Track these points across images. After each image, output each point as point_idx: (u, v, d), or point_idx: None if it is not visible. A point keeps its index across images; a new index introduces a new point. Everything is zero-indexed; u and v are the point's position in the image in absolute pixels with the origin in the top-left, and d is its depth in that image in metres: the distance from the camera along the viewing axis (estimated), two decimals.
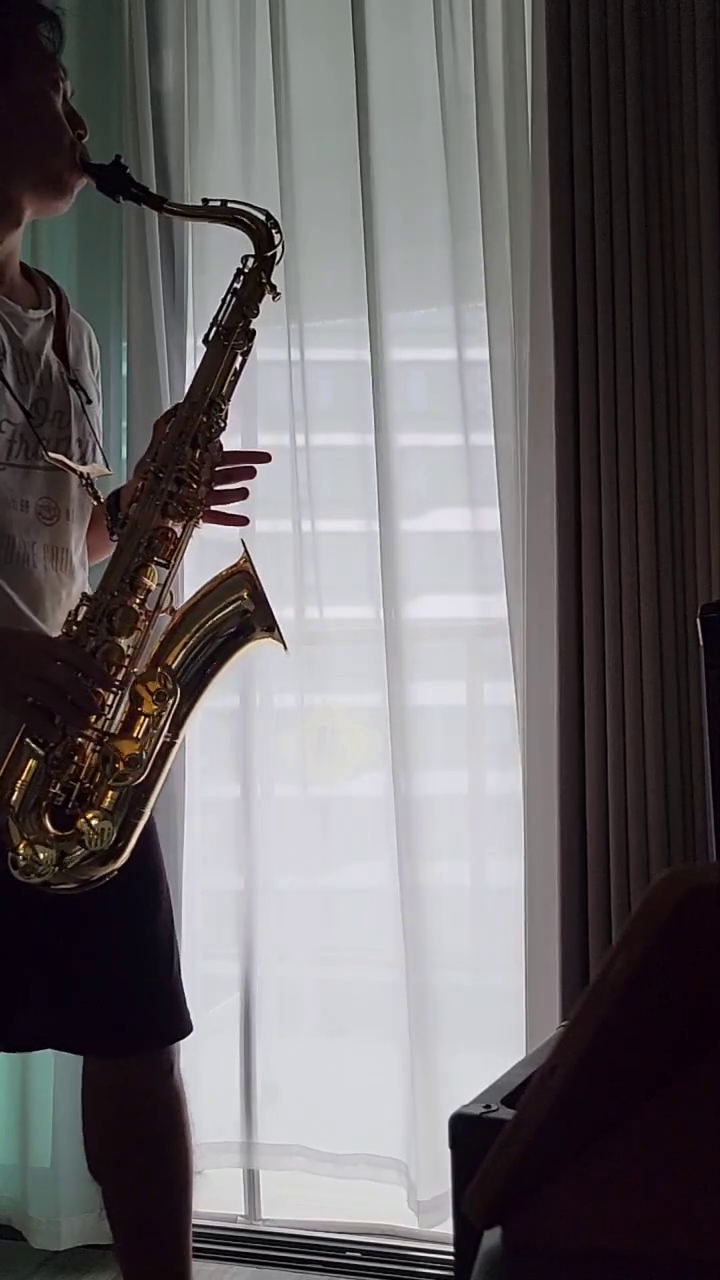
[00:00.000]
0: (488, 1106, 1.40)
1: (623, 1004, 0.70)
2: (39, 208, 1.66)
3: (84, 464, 1.67)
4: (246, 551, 1.62)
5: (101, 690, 1.50)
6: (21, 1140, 2.45)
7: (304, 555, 2.34)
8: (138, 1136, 1.71)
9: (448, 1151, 1.41)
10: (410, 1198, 2.28)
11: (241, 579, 1.61)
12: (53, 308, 1.69)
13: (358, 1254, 2.34)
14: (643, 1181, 0.79)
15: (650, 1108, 0.80)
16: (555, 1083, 0.73)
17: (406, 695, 2.36)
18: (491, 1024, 2.31)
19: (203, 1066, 2.40)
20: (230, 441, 2.43)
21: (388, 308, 2.32)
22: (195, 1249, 2.21)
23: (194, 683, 1.57)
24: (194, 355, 2.45)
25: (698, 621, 1.74)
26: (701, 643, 1.71)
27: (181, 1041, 1.73)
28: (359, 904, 2.31)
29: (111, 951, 1.65)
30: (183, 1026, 1.71)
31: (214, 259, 2.38)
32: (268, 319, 2.37)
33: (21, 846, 1.48)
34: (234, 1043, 2.43)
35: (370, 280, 2.29)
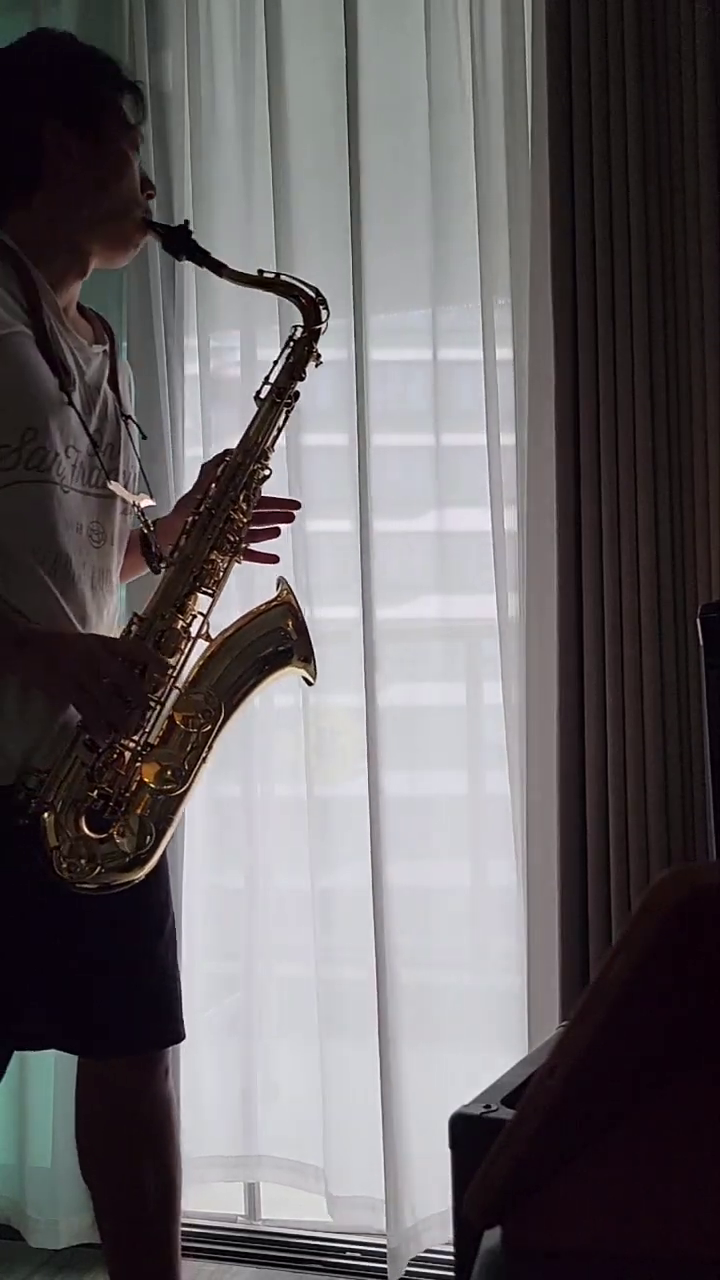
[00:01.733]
0: (488, 1106, 1.41)
1: (623, 1004, 0.71)
2: (104, 259, 1.80)
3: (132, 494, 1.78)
4: (289, 586, 1.76)
5: (158, 675, 1.61)
6: (20, 1140, 2.46)
7: (298, 556, 2.34)
8: (129, 1137, 1.75)
9: (447, 1152, 1.41)
10: (406, 1198, 2.28)
11: (285, 611, 1.74)
12: (107, 345, 1.81)
13: (357, 1254, 2.34)
14: (643, 1181, 0.79)
15: (650, 1108, 0.80)
16: (555, 1083, 0.73)
17: (406, 695, 2.36)
18: (491, 1024, 2.31)
19: (203, 1067, 2.41)
20: (229, 442, 2.45)
21: (386, 308, 2.32)
22: (195, 1249, 2.22)
23: (232, 703, 1.68)
24: (194, 355, 2.46)
25: (698, 621, 1.74)
26: (701, 643, 1.71)
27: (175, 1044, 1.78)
28: (358, 904, 2.31)
29: (115, 954, 1.68)
30: (179, 1031, 1.76)
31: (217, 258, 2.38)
32: (263, 320, 2.40)
33: (57, 845, 1.55)
34: (234, 1043, 2.43)
35: (356, 281, 2.30)
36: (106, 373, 1.77)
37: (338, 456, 2.39)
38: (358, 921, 2.31)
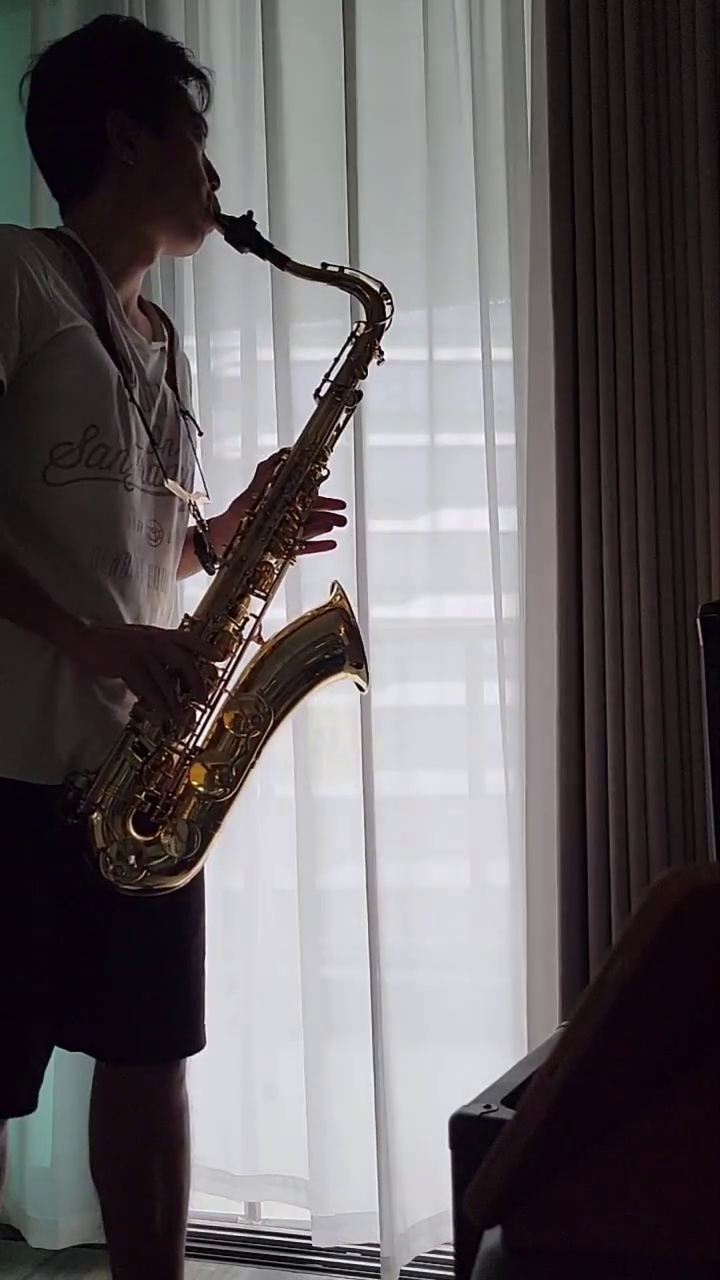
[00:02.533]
0: (488, 1106, 1.40)
1: (623, 1004, 0.70)
2: (170, 249, 1.78)
3: (189, 491, 1.77)
4: (342, 590, 1.73)
5: (214, 666, 1.61)
6: (21, 1140, 2.45)
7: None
8: (142, 1143, 1.74)
9: (447, 1152, 1.41)
10: (402, 1199, 2.28)
11: (337, 616, 1.71)
12: (165, 340, 1.79)
13: (357, 1254, 2.34)
14: (643, 1181, 0.79)
15: (650, 1107, 0.80)
16: (555, 1083, 0.73)
17: (404, 695, 2.36)
18: (491, 1024, 2.31)
19: (200, 1069, 2.40)
20: (230, 442, 2.46)
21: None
22: (196, 1249, 2.22)
23: (282, 710, 1.67)
24: (193, 355, 2.46)
25: (698, 621, 1.74)
26: (701, 643, 1.71)
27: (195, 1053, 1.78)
28: (358, 904, 2.31)
29: (147, 960, 1.68)
30: (199, 1041, 1.76)
31: (217, 258, 2.38)
32: (263, 320, 2.40)
33: (104, 847, 1.55)
34: (234, 1044, 2.43)
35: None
36: (165, 369, 1.76)
37: (335, 456, 2.38)
38: (356, 922, 2.31)
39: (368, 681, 1.74)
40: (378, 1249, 2.28)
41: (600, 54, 2.10)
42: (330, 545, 1.82)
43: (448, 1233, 2.19)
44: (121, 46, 1.72)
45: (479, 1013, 2.34)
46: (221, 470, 2.40)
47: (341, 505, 1.82)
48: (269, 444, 2.36)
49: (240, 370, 2.45)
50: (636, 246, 2.08)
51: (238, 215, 1.76)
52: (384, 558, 2.34)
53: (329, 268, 1.75)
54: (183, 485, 1.74)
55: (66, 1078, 2.30)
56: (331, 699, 2.40)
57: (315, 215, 2.38)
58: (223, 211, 1.77)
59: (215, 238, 1.79)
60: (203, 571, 1.83)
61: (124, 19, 1.78)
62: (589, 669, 2.10)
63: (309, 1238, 2.34)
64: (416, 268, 2.34)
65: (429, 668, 2.41)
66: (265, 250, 1.75)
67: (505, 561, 2.26)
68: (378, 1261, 2.28)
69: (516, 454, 2.25)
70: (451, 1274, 1.84)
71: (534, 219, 2.19)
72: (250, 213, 1.76)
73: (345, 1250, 2.34)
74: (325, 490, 1.78)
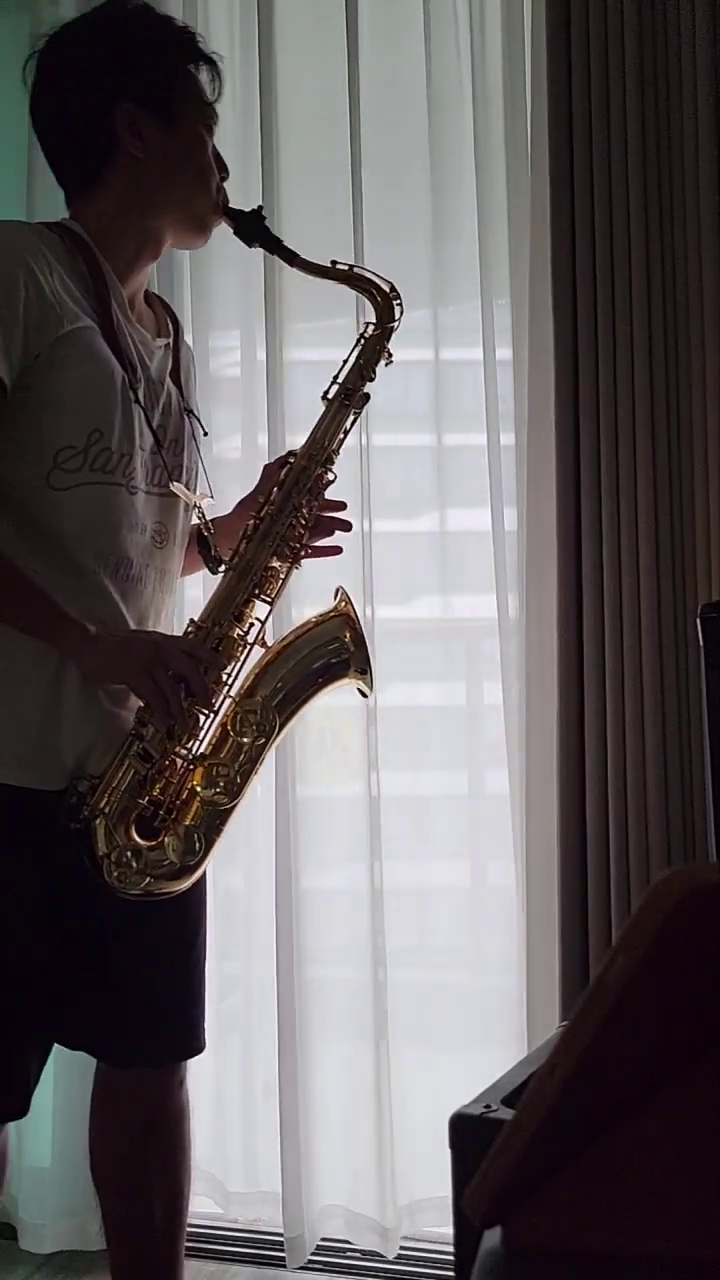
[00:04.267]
0: (488, 1106, 1.40)
1: (623, 1004, 0.70)
2: (178, 242, 1.75)
3: (193, 491, 1.75)
4: (347, 596, 1.72)
5: (219, 676, 1.60)
6: (19, 1140, 2.45)
7: None
8: (142, 1146, 1.74)
9: (447, 1152, 1.41)
10: (398, 1198, 2.28)
11: (342, 622, 1.70)
12: (170, 336, 1.76)
13: (358, 1254, 2.34)
14: (643, 1181, 0.79)
15: (650, 1108, 0.80)
16: (555, 1083, 0.73)
17: (406, 695, 2.36)
18: (491, 1024, 2.31)
19: (201, 1070, 2.40)
20: (229, 442, 2.46)
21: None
22: (195, 1249, 2.22)
23: (286, 717, 1.66)
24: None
25: (698, 621, 1.74)
26: (701, 643, 1.71)
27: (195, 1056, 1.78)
28: (358, 904, 2.31)
29: (148, 963, 1.67)
30: (200, 1043, 1.76)
31: (216, 257, 2.38)
32: (262, 319, 2.40)
33: (107, 852, 1.55)
34: (235, 1045, 2.43)
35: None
36: (169, 366, 1.73)
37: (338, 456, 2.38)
38: (357, 921, 2.31)
39: (371, 688, 1.74)
40: (379, 1250, 2.28)
41: (600, 53, 2.10)
42: (336, 550, 1.80)
43: (449, 1232, 2.19)
44: (133, 34, 1.67)
45: (478, 1013, 2.34)
46: (219, 470, 2.40)
47: (342, 506, 1.80)
48: (265, 444, 2.36)
49: (240, 370, 2.45)
50: (636, 246, 2.08)
51: (247, 209, 1.73)
52: (384, 558, 2.34)
53: (338, 265, 1.73)
54: (187, 485, 1.73)
55: (66, 1079, 2.29)
56: (330, 699, 2.40)
57: (316, 215, 2.37)
58: (231, 205, 1.75)
59: (217, 234, 1.77)
60: (201, 571, 1.83)
61: (134, 3, 1.72)
62: (589, 669, 2.10)
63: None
64: (420, 267, 2.33)
65: (429, 667, 2.41)
66: (274, 246, 1.72)
67: (506, 561, 2.26)
68: (378, 1261, 2.28)
69: (517, 454, 2.25)
70: (451, 1274, 1.84)
71: (534, 219, 2.19)
72: (260, 207, 1.73)
73: (346, 1250, 2.34)
74: (327, 490, 1.77)
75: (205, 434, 1.82)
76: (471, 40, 2.28)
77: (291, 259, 1.72)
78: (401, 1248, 2.29)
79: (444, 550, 2.37)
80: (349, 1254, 2.34)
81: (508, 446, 2.26)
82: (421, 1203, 2.28)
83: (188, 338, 2.44)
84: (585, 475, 2.12)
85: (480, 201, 2.26)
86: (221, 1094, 2.43)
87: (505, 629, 2.26)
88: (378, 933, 2.30)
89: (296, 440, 2.33)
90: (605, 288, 2.11)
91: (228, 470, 2.40)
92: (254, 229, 1.72)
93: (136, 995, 1.66)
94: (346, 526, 1.79)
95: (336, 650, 1.69)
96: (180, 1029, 1.73)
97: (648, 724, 2.05)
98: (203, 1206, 2.39)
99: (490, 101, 2.27)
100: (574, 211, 2.12)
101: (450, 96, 2.32)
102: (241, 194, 2.37)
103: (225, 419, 2.45)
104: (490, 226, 2.26)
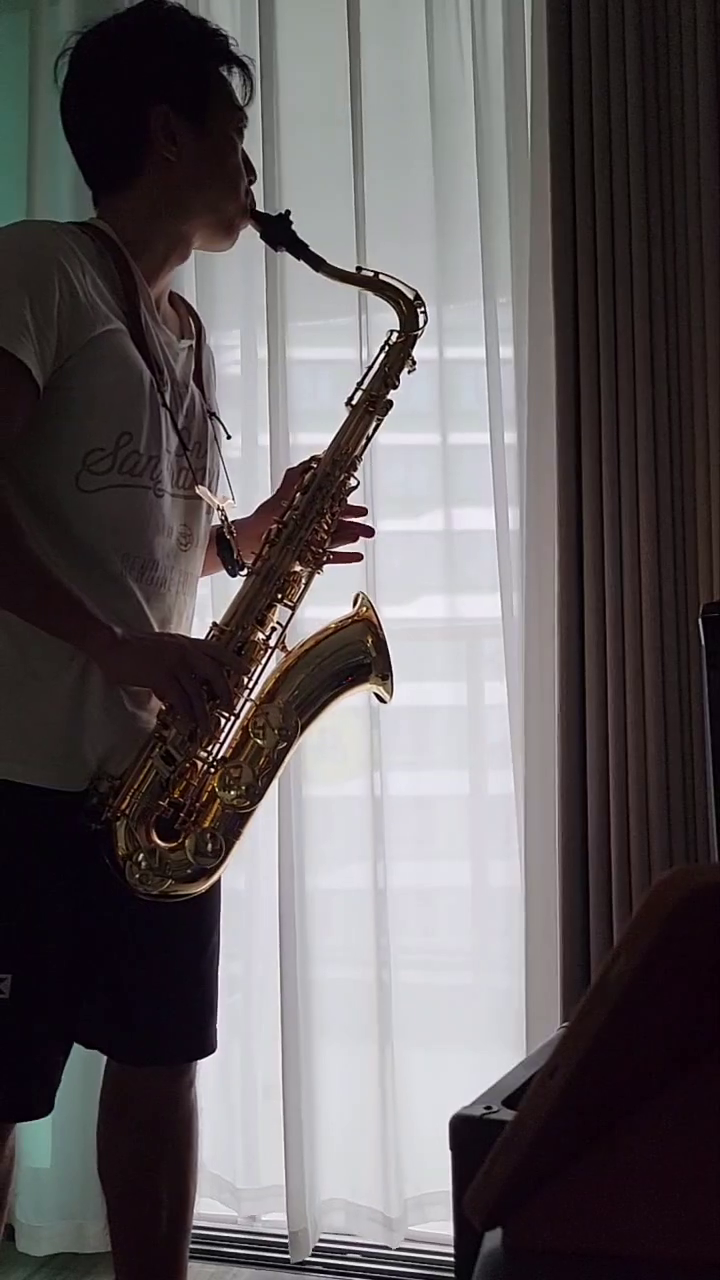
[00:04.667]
0: (488, 1108, 1.40)
1: (624, 1005, 0.70)
2: (205, 245, 1.75)
3: (214, 494, 1.75)
4: (368, 601, 1.73)
5: (241, 680, 1.60)
6: (18, 1140, 2.44)
7: None
8: (150, 1145, 1.74)
9: (447, 1152, 1.40)
10: (404, 1191, 2.28)
11: (364, 627, 1.71)
12: (193, 338, 1.76)
13: (358, 1254, 2.34)
14: (643, 1182, 0.78)
15: (651, 1109, 0.80)
16: (556, 1084, 0.73)
17: (408, 695, 2.34)
18: (492, 1025, 2.31)
19: (205, 1071, 2.40)
20: (230, 441, 2.45)
21: (390, 307, 2.31)
22: (196, 1251, 2.22)
23: (307, 722, 1.66)
24: None
25: (699, 621, 1.73)
26: (703, 642, 1.71)
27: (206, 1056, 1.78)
28: (361, 904, 2.31)
29: (163, 963, 1.68)
30: (212, 1044, 1.76)
31: (217, 256, 2.37)
32: (262, 319, 2.39)
33: (127, 853, 1.55)
34: (236, 1045, 2.43)
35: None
36: (192, 368, 1.73)
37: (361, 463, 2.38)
38: (357, 922, 2.31)
39: (391, 693, 1.74)
40: (379, 1250, 2.28)
41: (601, 53, 2.10)
42: (358, 557, 1.81)
43: (449, 1233, 2.19)
44: (168, 35, 1.67)
45: (479, 1013, 2.34)
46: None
47: (363, 512, 1.80)
48: (267, 443, 2.35)
49: (240, 370, 2.45)
50: (638, 245, 2.08)
51: (274, 214, 1.73)
52: (388, 557, 2.34)
53: (364, 271, 1.74)
54: (209, 488, 1.73)
55: (66, 1079, 2.28)
56: None
57: (318, 215, 2.37)
58: (258, 208, 1.75)
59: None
60: (218, 572, 1.82)
61: (169, 3, 1.71)
62: (590, 669, 2.10)
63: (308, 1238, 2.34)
64: (422, 266, 2.33)
65: (433, 667, 2.41)
66: (300, 250, 1.72)
67: (510, 561, 2.26)
68: (378, 1263, 2.28)
69: (518, 453, 2.24)
70: (451, 1274, 1.84)
71: (534, 218, 2.19)
72: (287, 211, 1.74)
73: (346, 1251, 2.34)
74: None
75: (229, 437, 1.81)
76: (474, 40, 2.28)
77: (318, 264, 1.72)
78: (401, 1247, 2.28)
79: (447, 549, 2.37)
80: (350, 1254, 2.34)
81: (510, 445, 2.26)
82: (429, 1195, 2.28)
83: None
84: (586, 474, 2.12)
85: (482, 201, 2.27)
86: (222, 1093, 2.42)
87: (509, 628, 2.26)
88: (381, 933, 2.30)
89: (297, 439, 2.34)
90: (607, 286, 2.11)
91: (229, 469, 2.40)
92: (280, 233, 1.72)
93: (151, 995, 1.67)
94: (370, 532, 1.80)
95: (359, 655, 1.69)
96: (194, 1029, 1.73)
97: (649, 724, 2.05)
98: (204, 1207, 2.39)
99: (492, 102, 2.27)
100: (575, 210, 2.12)
101: (452, 96, 2.32)
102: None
103: (226, 418, 2.41)
104: (492, 226, 2.26)
